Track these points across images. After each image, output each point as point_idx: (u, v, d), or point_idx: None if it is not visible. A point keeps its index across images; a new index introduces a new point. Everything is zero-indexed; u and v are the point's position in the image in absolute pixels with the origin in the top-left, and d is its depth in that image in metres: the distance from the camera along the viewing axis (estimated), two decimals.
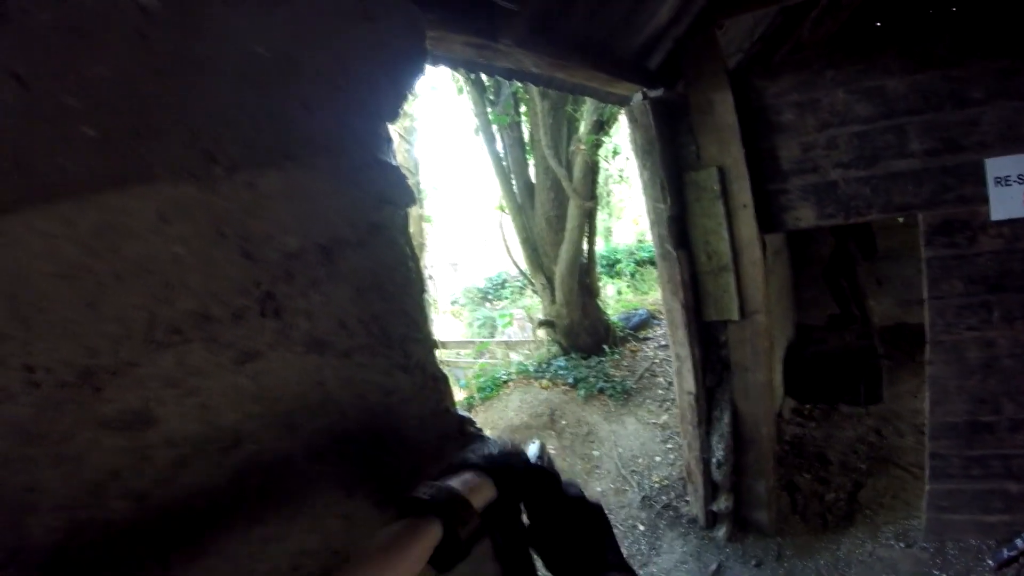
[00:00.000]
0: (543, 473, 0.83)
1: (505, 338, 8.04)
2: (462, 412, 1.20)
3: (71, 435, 0.66)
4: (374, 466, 0.94)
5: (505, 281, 12.13)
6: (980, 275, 2.37)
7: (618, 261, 11.16)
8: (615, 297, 9.10)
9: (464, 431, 1.13)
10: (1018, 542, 2.41)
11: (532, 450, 0.97)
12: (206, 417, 0.74)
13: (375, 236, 0.93)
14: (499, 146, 5.42)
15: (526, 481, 0.80)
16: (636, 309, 7.02)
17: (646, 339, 6.21)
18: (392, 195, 0.97)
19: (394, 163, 1.00)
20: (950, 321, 2.45)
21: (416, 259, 1.08)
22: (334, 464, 0.87)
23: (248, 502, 0.78)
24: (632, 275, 10.66)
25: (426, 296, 1.13)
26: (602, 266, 10.97)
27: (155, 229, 0.69)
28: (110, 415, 0.68)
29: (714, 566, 3.06)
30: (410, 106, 7.69)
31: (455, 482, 0.71)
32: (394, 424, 0.98)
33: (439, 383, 1.09)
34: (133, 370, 0.69)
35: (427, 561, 0.65)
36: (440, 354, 8.75)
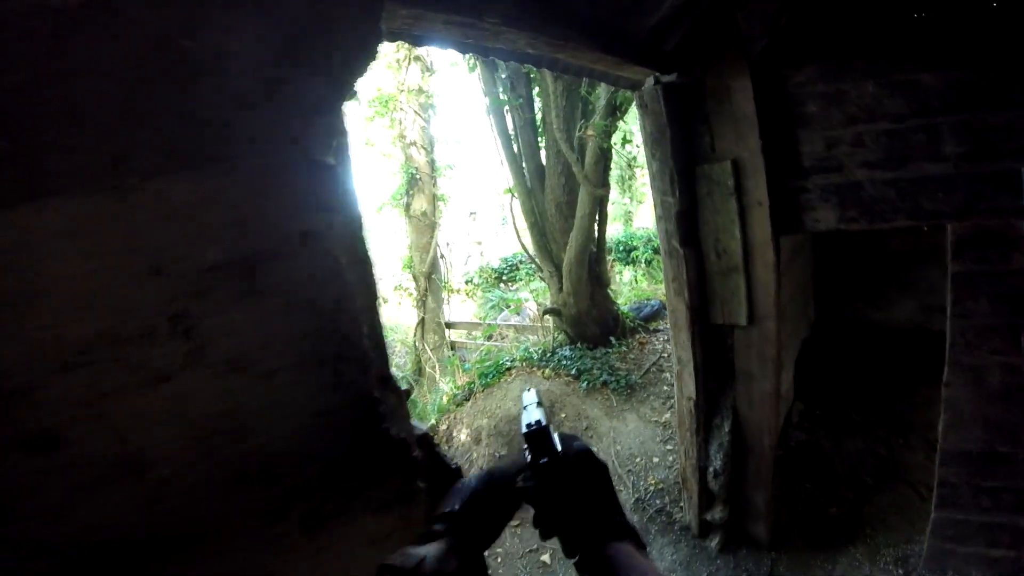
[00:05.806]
0: (522, 492, 0.83)
1: (514, 322, 7.94)
2: (419, 427, 1.12)
3: None
4: (302, 490, 0.88)
5: (520, 262, 11.99)
6: (1010, 295, 2.17)
7: (635, 248, 10.93)
8: (629, 284, 8.93)
9: (407, 457, 1.02)
10: None
11: (530, 407, 0.92)
12: (117, 439, 0.71)
13: (307, 246, 0.85)
14: (510, 127, 5.23)
15: (494, 516, 0.84)
16: (649, 299, 6.85)
17: (656, 331, 6.05)
18: (329, 201, 0.87)
19: (332, 163, 0.89)
20: (972, 342, 2.26)
21: (366, 266, 0.97)
22: (258, 488, 0.83)
23: (163, 528, 0.75)
24: (648, 263, 10.44)
25: (371, 309, 1.02)
26: (618, 252, 10.79)
27: (64, 245, 0.65)
28: (20, 436, 0.66)
29: None
30: (426, 82, 7.51)
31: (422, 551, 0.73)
32: (324, 447, 0.91)
33: (377, 404, 0.99)
34: (42, 392, 0.66)
35: None
36: (449, 334, 8.74)
